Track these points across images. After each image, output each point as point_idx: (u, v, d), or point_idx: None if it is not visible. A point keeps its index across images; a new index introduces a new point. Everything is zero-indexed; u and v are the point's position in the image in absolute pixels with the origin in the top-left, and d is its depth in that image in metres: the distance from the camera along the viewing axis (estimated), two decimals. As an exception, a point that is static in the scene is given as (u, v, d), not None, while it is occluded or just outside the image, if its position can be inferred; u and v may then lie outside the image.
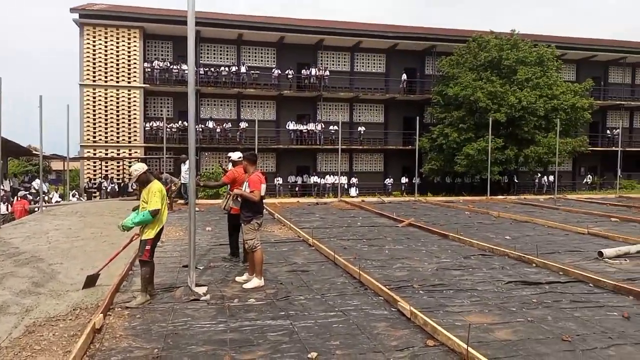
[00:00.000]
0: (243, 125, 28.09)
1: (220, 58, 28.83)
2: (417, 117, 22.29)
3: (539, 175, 29.89)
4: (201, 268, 6.97)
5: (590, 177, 31.84)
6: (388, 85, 30.58)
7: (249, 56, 29.31)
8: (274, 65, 29.17)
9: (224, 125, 27.86)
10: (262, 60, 29.50)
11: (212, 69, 27.78)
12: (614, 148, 29.12)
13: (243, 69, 28.15)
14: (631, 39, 33.97)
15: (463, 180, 29.29)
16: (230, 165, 8.02)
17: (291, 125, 28.91)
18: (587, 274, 6.48)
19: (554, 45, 28.21)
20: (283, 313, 5.08)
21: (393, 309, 5.16)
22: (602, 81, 33.77)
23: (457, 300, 5.52)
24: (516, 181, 29.81)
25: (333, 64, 30.37)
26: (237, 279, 6.37)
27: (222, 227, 10.60)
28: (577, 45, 31.98)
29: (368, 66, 30.90)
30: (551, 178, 28.18)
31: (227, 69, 28.02)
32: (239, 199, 6.22)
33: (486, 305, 5.37)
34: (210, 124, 27.49)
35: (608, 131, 33.42)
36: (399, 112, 30.95)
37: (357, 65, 30.73)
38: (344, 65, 30.63)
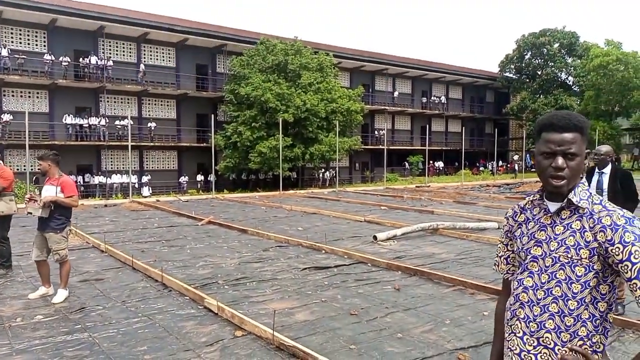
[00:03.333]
0: (6, 117, 24.02)
1: (-28, 37, 24.12)
2: (211, 115, 22.33)
3: (323, 170, 32.89)
4: (-35, 288, 5.88)
5: (328, 174, 32.12)
6: (179, 80, 29.77)
7: (12, 38, 25.16)
8: (44, 51, 25.65)
9: (-20, 117, 23.44)
10: (29, 44, 25.62)
11: (-39, 49, 23.06)
12: (380, 146, 33.87)
13: (4, 52, 24.01)
14: (392, 53, 39.69)
15: (257, 176, 30.39)
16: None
17: (68, 119, 25.86)
18: (366, 256, 7.56)
19: (332, 53, 31.38)
20: (79, 326, 4.69)
21: (200, 307, 5.22)
22: (370, 88, 38.81)
23: (260, 291, 5.87)
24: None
25: (117, 54, 28.13)
26: (31, 296, 5.61)
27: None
28: (350, 55, 36.05)
29: (157, 59, 29.52)
30: (332, 173, 31.29)
31: (-18, 51, 23.58)
32: (52, 206, 5.47)
33: (286, 292, 5.84)
34: (-39, 116, 22.81)
35: (376, 132, 38.68)
36: (191, 108, 30.42)
37: (145, 58, 29.09)
38: (130, 56, 28.65)
